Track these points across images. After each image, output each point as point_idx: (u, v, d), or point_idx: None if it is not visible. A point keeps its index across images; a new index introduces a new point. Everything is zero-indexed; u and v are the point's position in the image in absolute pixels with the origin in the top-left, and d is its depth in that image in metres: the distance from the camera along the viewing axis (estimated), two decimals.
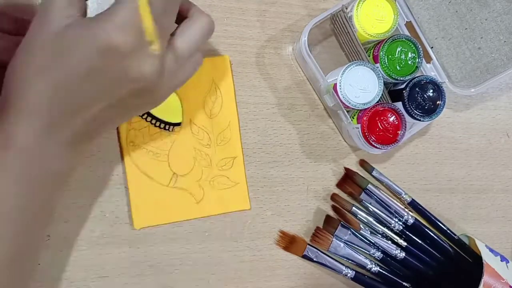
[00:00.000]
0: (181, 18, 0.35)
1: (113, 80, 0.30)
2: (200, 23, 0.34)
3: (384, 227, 0.48)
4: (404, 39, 0.45)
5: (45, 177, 0.32)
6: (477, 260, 0.48)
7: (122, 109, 0.33)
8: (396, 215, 0.49)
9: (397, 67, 0.45)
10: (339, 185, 0.49)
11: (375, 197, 0.49)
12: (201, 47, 0.44)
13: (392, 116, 0.45)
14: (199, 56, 0.36)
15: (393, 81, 0.45)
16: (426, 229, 0.50)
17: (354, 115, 0.46)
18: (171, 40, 0.33)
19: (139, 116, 0.43)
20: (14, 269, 0.32)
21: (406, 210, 0.49)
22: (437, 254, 0.50)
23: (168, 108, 0.44)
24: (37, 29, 0.30)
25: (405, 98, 0.45)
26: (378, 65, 0.45)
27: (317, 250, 0.47)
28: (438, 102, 0.45)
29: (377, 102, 0.44)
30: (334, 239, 0.47)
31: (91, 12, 0.43)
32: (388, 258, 0.48)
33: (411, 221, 0.49)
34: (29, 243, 0.33)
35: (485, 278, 0.45)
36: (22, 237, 0.32)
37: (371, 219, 0.48)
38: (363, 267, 0.48)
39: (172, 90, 0.35)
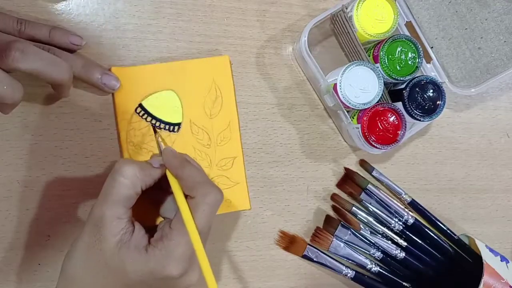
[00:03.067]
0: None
1: None
2: (212, 198, 0.36)
3: (384, 227, 0.48)
4: (404, 39, 0.45)
5: None
6: (477, 260, 0.48)
7: None
8: (396, 215, 0.49)
9: (397, 67, 0.45)
10: (339, 185, 0.49)
11: (375, 197, 0.49)
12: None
13: (392, 116, 0.45)
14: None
15: (393, 81, 0.45)
16: (426, 229, 0.50)
17: (354, 115, 0.46)
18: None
19: (139, 116, 0.43)
20: None
21: (406, 210, 0.49)
22: (437, 254, 0.50)
23: (168, 108, 0.44)
24: (91, 241, 0.34)
25: (405, 98, 0.45)
26: (378, 65, 0.45)
27: (317, 250, 0.47)
28: (438, 102, 0.45)
29: (377, 102, 0.44)
30: (334, 239, 0.47)
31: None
32: (388, 258, 0.48)
33: (411, 221, 0.49)
34: None
35: (485, 278, 0.45)
36: None
37: (371, 219, 0.48)
38: (363, 267, 0.48)
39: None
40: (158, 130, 0.42)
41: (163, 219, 0.39)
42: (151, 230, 0.36)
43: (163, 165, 0.37)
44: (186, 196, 0.35)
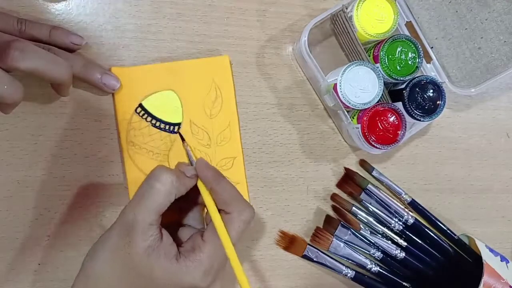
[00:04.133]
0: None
1: None
2: (243, 216, 0.36)
3: (384, 227, 0.48)
4: (404, 39, 0.45)
5: None
6: (477, 260, 0.48)
7: None
8: (396, 215, 0.49)
9: (397, 67, 0.45)
10: (339, 185, 0.49)
11: (375, 197, 0.49)
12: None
13: (392, 116, 0.45)
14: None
15: (393, 81, 0.45)
16: (426, 229, 0.50)
17: (354, 115, 0.46)
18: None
19: (139, 116, 0.43)
20: None
21: (406, 210, 0.49)
22: (437, 254, 0.49)
23: (168, 108, 0.44)
24: (119, 244, 0.34)
25: (405, 98, 0.45)
26: (378, 65, 0.45)
27: (317, 250, 0.47)
28: (438, 102, 0.45)
29: (377, 102, 0.44)
30: (334, 239, 0.47)
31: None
32: (388, 258, 0.48)
33: (411, 221, 0.49)
34: None
35: (485, 278, 0.45)
36: None
37: (371, 219, 0.48)
38: (363, 267, 0.48)
39: None
40: (184, 142, 0.40)
41: (184, 225, 0.39)
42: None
43: (196, 175, 0.37)
44: (219, 210, 0.36)
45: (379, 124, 0.44)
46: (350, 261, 0.48)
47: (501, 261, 0.48)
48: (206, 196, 0.36)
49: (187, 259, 0.34)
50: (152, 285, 0.33)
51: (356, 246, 0.48)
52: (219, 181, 0.36)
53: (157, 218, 0.34)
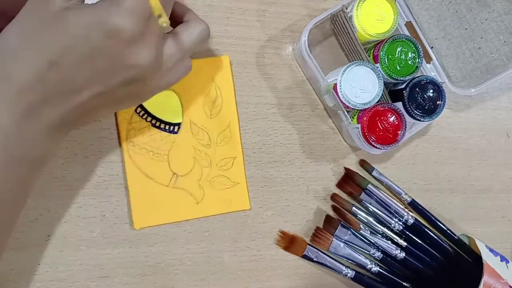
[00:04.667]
0: (175, 22, 0.35)
1: (111, 64, 0.30)
2: (199, 27, 0.34)
3: (384, 227, 0.48)
4: (404, 39, 0.45)
5: (20, 163, 0.31)
6: (477, 260, 0.48)
7: (111, 98, 0.32)
8: (396, 215, 0.49)
9: (397, 67, 0.45)
10: (339, 185, 0.49)
11: (375, 197, 0.49)
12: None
13: (392, 116, 0.45)
14: (190, 62, 0.37)
15: (393, 81, 0.45)
16: (426, 229, 0.50)
17: (354, 115, 0.46)
18: (175, 32, 0.33)
19: (139, 116, 0.43)
20: None
21: (406, 210, 0.49)
22: (437, 254, 0.49)
23: (168, 108, 0.44)
24: (35, 6, 0.30)
25: (405, 98, 0.45)
26: (378, 65, 0.45)
27: (317, 250, 0.47)
28: (438, 102, 0.45)
29: (377, 102, 0.44)
30: (334, 239, 0.47)
31: None
32: (388, 258, 0.48)
33: (411, 221, 0.49)
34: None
35: (485, 278, 0.45)
36: None
37: (371, 219, 0.48)
38: (363, 267, 0.48)
39: (162, 87, 0.35)
40: None
41: None
42: None
43: None
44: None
45: (379, 124, 0.44)
46: (350, 261, 0.48)
47: (501, 261, 0.48)
48: None
49: (106, 1, 0.29)
50: (67, 38, 0.28)
51: (356, 246, 0.48)
52: None
53: None
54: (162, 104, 0.44)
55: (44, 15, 0.29)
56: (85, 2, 0.31)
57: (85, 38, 0.28)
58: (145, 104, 0.43)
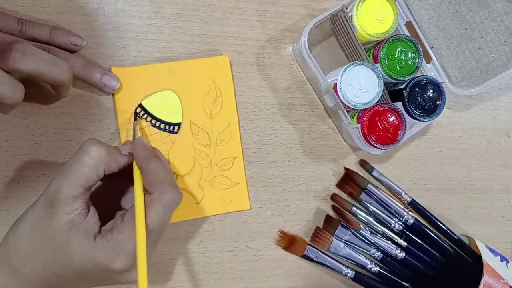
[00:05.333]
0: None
1: (102, 281, 0.35)
2: (165, 198, 0.35)
3: (384, 227, 0.48)
4: (404, 39, 0.45)
5: None
6: (477, 260, 0.48)
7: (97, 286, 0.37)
8: (396, 215, 0.49)
9: (397, 67, 0.45)
10: (339, 185, 0.49)
11: (375, 197, 0.49)
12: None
13: (392, 116, 0.45)
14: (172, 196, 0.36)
15: (393, 81, 0.45)
16: (426, 229, 0.50)
17: (354, 115, 0.46)
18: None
19: (139, 116, 0.43)
20: None
21: (406, 210, 0.49)
22: (437, 254, 0.49)
23: (168, 108, 0.44)
24: (42, 215, 0.33)
25: (405, 98, 0.45)
26: (378, 65, 0.45)
27: (317, 250, 0.47)
28: (438, 102, 0.45)
29: (377, 102, 0.44)
30: (334, 239, 0.47)
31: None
32: (388, 258, 0.48)
33: (411, 221, 0.49)
34: None
35: (485, 278, 0.45)
36: None
37: (371, 219, 0.48)
38: (363, 267, 0.48)
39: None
40: (138, 119, 0.41)
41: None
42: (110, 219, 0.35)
43: (131, 154, 0.36)
44: (145, 192, 0.35)
45: (379, 124, 0.44)
46: (350, 261, 0.48)
47: (501, 261, 0.48)
48: (135, 176, 0.35)
49: (104, 238, 0.33)
50: (68, 261, 0.33)
51: (356, 246, 0.48)
52: (149, 161, 0.36)
53: (83, 192, 0.33)
54: (162, 104, 0.44)
55: (49, 229, 0.33)
56: None
57: (83, 267, 0.33)
58: (145, 104, 0.43)
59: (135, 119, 0.40)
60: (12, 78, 0.33)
